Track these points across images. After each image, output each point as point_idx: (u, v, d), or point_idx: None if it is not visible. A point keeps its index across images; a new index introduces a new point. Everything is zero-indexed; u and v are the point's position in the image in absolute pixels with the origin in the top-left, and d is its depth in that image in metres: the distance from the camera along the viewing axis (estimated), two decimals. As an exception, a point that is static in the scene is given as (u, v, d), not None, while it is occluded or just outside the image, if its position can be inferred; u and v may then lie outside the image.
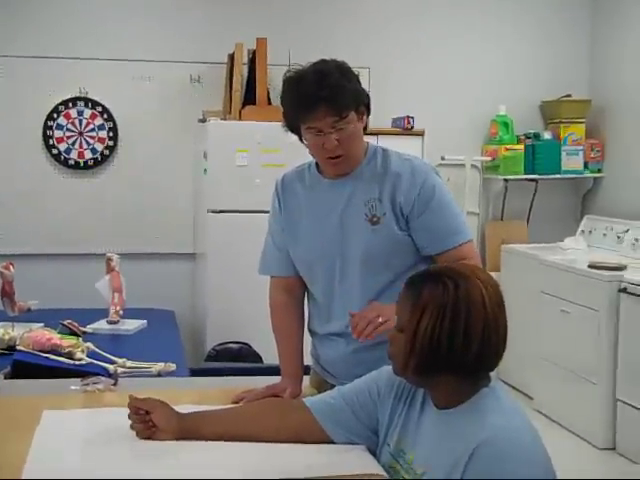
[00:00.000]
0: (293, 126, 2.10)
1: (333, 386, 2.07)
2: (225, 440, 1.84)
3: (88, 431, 1.91)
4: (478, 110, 5.55)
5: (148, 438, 1.85)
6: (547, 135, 5.54)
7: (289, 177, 2.28)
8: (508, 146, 5.46)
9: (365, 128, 2.14)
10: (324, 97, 1.99)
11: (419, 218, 2.08)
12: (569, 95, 5.57)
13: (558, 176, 5.50)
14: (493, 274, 5.19)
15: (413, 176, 2.10)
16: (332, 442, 1.83)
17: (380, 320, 1.87)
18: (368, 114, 2.13)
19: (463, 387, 1.62)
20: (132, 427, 1.87)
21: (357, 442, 1.83)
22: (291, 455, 1.79)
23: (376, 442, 1.82)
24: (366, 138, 2.20)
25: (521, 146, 5.49)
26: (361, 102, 2.08)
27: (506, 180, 5.56)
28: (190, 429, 1.86)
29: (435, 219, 2.09)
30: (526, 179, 5.52)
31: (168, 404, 1.90)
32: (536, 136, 5.53)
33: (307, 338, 2.33)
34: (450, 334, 1.57)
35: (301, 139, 2.12)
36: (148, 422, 1.85)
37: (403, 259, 2.10)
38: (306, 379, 2.34)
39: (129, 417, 1.87)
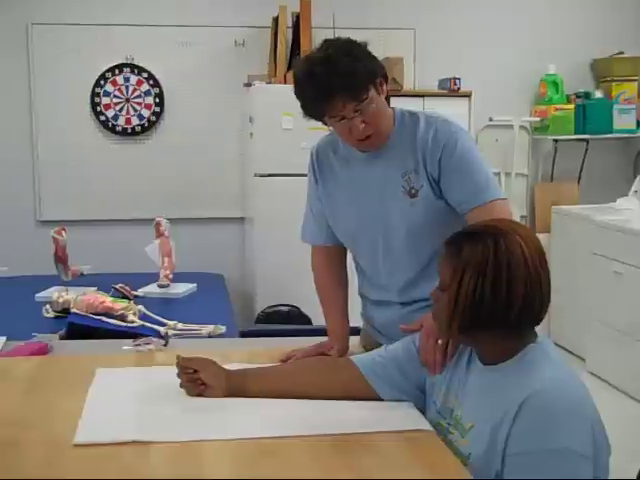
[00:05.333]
0: (314, 117, 2.03)
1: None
2: (273, 397, 1.86)
3: (140, 388, 1.95)
4: (527, 70, 5.47)
5: (198, 396, 1.87)
6: (598, 94, 5.44)
7: (323, 148, 2.23)
8: (558, 106, 5.37)
9: (387, 98, 2.06)
10: (338, 87, 1.91)
11: (445, 178, 2.03)
12: (621, 52, 5.44)
13: (610, 135, 5.40)
14: (543, 236, 5.16)
15: (436, 139, 2.03)
16: (379, 399, 1.84)
17: (440, 342, 1.80)
18: (387, 81, 2.04)
19: (509, 343, 1.62)
20: (182, 386, 1.89)
21: (404, 399, 1.84)
22: (339, 411, 1.80)
23: (423, 400, 1.83)
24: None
25: (571, 106, 5.39)
26: (377, 75, 1.99)
27: (556, 140, 5.47)
28: (238, 386, 1.88)
29: (460, 176, 2.01)
30: (577, 139, 5.42)
31: (216, 362, 1.92)
32: (587, 95, 5.43)
33: (355, 299, 2.33)
34: (492, 292, 1.56)
35: (325, 124, 2.05)
36: (197, 380, 1.87)
37: (447, 228, 1.98)
38: (355, 339, 2.35)
39: (178, 376, 1.90)
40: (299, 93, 2.00)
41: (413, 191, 2.05)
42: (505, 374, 1.60)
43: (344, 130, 2.01)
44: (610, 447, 1.55)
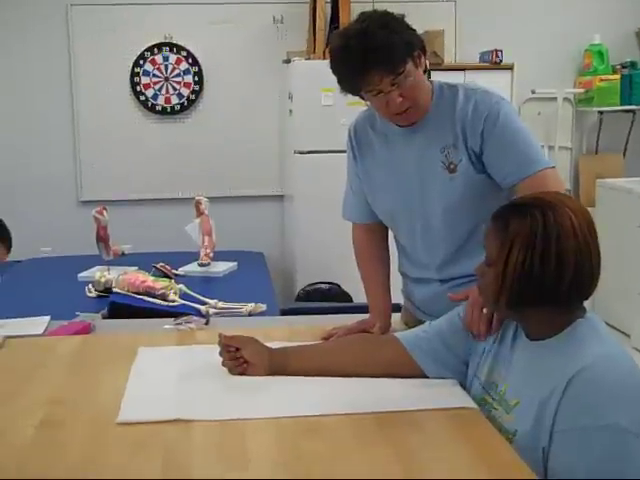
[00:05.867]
0: (351, 92, 1.99)
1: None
2: (315, 375, 1.84)
3: (182, 366, 1.95)
4: (570, 40, 5.36)
5: (240, 374, 1.87)
6: (645, 63, 5.31)
7: (360, 124, 2.19)
8: (603, 77, 5.26)
9: (425, 70, 1.99)
10: (374, 61, 1.86)
11: (488, 151, 1.97)
12: (668, 20, 5.31)
13: (657, 106, 5.28)
14: (587, 209, 5.06)
15: (476, 111, 1.97)
16: (423, 376, 1.82)
17: (485, 311, 1.78)
18: (425, 54, 1.98)
19: (557, 318, 1.58)
20: (224, 364, 1.89)
21: (448, 375, 1.81)
22: (382, 389, 1.78)
23: (466, 375, 1.81)
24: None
25: (617, 76, 5.27)
26: (415, 48, 1.93)
27: (601, 112, 5.37)
28: (281, 364, 1.87)
29: (505, 147, 1.95)
30: (622, 110, 5.31)
31: (258, 340, 1.91)
32: (633, 65, 5.31)
33: (397, 276, 2.31)
34: (541, 264, 1.52)
35: (362, 98, 2.01)
36: (239, 359, 1.87)
37: (486, 204, 1.91)
38: (396, 316, 2.33)
39: (220, 354, 1.89)
40: (335, 68, 1.96)
41: (452, 166, 2.01)
42: (553, 349, 1.57)
43: (381, 104, 1.97)
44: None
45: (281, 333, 2.19)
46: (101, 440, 1.57)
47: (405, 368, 1.83)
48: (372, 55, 1.86)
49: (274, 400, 1.75)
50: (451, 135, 2.01)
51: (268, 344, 1.93)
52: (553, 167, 1.98)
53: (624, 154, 5.45)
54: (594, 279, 1.57)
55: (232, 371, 1.88)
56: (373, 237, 2.27)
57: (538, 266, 1.53)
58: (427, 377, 1.82)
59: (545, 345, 1.60)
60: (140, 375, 1.90)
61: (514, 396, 1.62)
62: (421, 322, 2.06)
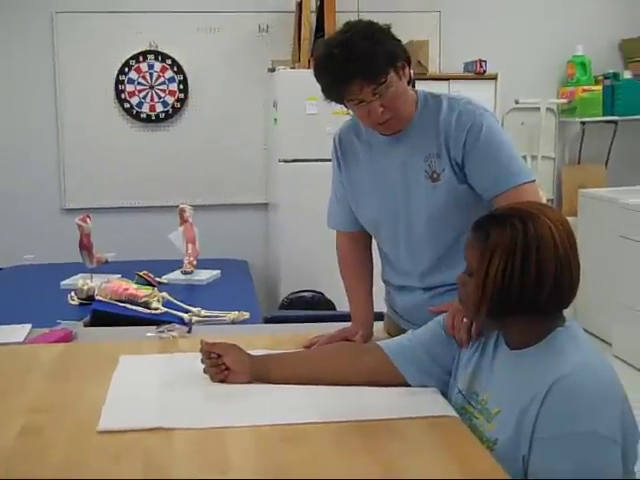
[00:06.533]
0: (334, 100, 2.00)
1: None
2: (297, 383, 1.85)
3: (164, 375, 1.95)
4: (554, 51, 5.40)
5: (222, 381, 1.87)
6: (627, 75, 5.35)
7: (345, 133, 2.20)
8: (585, 87, 5.30)
9: (410, 80, 2.00)
10: (356, 70, 1.88)
11: (470, 163, 1.98)
12: (650, 32, 5.35)
13: (639, 117, 5.30)
14: (570, 219, 5.02)
15: (459, 122, 1.98)
16: (404, 384, 1.82)
17: (466, 320, 1.78)
18: (409, 65, 1.99)
19: (537, 327, 1.59)
20: (205, 371, 1.89)
21: (430, 384, 1.82)
22: (363, 397, 1.78)
23: (448, 384, 1.81)
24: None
25: (599, 87, 5.31)
26: (398, 58, 1.94)
27: (583, 123, 5.40)
28: (263, 371, 1.87)
29: (487, 160, 1.96)
30: (605, 121, 5.34)
31: (240, 347, 1.91)
32: (615, 76, 5.34)
33: (379, 285, 2.31)
34: (521, 276, 1.54)
35: (346, 107, 2.02)
36: (221, 366, 1.87)
37: (469, 213, 1.92)
38: (379, 324, 2.33)
39: (202, 361, 1.89)
40: (318, 76, 1.97)
41: (435, 175, 2.02)
42: (533, 358, 1.58)
43: (363, 114, 1.98)
44: (639, 432, 1.53)
45: (264, 341, 2.19)
46: (81, 448, 1.56)
47: (387, 376, 1.83)
48: (353, 65, 1.87)
49: (255, 408, 1.75)
50: (435, 144, 2.02)
51: (251, 352, 1.93)
52: (533, 181, 2.00)
53: (606, 164, 5.49)
54: (573, 289, 1.58)
55: (214, 378, 1.88)
56: (357, 245, 2.28)
57: (518, 276, 1.54)
58: (409, 385, 1.82)
59: (525, 354, 1.61)
60: (121, 383, 1.90)
61: (495, 405, 1.63)
62: (404, 331, 2.07)
